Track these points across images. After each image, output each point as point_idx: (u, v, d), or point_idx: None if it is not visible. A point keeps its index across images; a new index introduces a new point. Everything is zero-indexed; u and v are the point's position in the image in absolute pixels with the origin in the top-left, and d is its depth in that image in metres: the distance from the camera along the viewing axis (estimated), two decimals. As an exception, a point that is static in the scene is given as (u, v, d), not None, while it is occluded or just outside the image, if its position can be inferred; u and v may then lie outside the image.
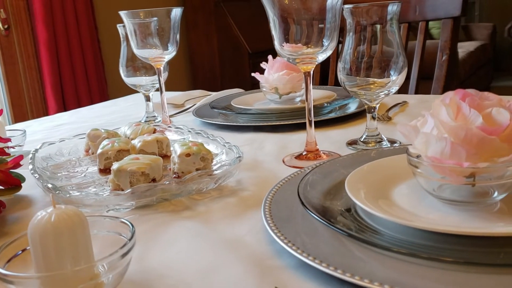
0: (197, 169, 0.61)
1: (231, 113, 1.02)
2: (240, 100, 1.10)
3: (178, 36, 0.95)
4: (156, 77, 0.99)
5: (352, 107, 0.99)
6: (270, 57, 1.06)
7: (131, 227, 0.41)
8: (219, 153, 0.71)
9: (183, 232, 0.51)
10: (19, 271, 0.39)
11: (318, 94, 1.10)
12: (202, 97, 1.28)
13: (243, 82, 3.18)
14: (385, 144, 0.75)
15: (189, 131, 0.81)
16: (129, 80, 1.09)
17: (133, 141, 0.71)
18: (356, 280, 0.36)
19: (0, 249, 0.39)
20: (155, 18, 0.91)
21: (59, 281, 0.37)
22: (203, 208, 0.57)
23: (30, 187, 0.66)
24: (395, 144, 0.75)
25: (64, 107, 2.58)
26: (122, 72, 1.09)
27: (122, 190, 0.58)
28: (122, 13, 0.91)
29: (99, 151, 0.68)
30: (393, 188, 0.53)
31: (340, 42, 0.77)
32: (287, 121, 0.92)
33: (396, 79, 0.72)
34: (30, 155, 0.71)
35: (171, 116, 1.12)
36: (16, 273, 0.36)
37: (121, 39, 1.08)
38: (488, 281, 0.37)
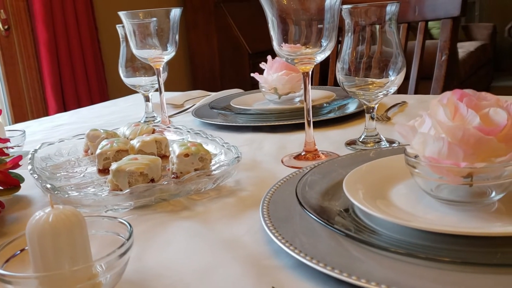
0: (195, 169, 0.61)
1: (230, 114, 1.02)
2: (240, 101, 1.10)
3: (177, 37, 0.95)
4: (155, 77, 0.99)
5: (351, 107, 0.99)
6: (269, 57, 1.06)
7: (129, 227, 0.41)
8: (218, 153, 0.71)
9: (182, 232, 0.51)
10: (18, 271, 0.39)
11: (317, 94, 1.10)
12: (202, 97, 1.28)
13: (243, 82, 3.18)
14: (384, 144, 0.75)
15: (188, 132, 0.81)
16: (128, 81, 1.09)
17: (132, 142, 0.71)
18: (353, 280, 0.36)
19: (-2, 249, 0.40)
20: (154, 19, 0.91)
21: (57, 281, 0.37)
22: (202, 208, 0.57)
23: (29, 188, 0.66)
24: (393, 144, 0.75)
25: (64, 108, 2.58)
26: (121, 72, 1.09)
27: (121, 190, 0.58)
28: (121, 14, 0.91)
29: (98, 151, 0.68)
30: (391, 188, 0.53)
31: (339, 42, 0.77)
32: (286, 121, 0.92)
33: (394, 79, 0.72)
34: (29, 156, 0.71)
35: (170, 116, 1.12)
36: (14, 273, 0.37)
37: (121, 39, 1.08)
38: (485, 281, 0.37)
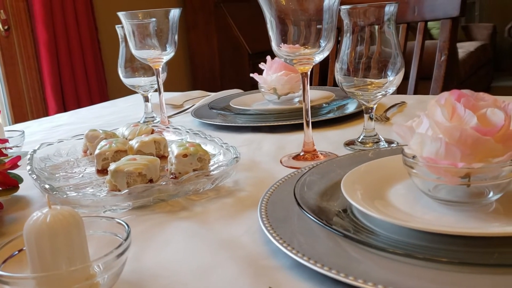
0: (194, 170, 0.61)
1: (229, 114, 1.02)
2: (239, 101, 1.10)
3: (176, 37, 0.95)
4: (154, 77, 0.99)
5: (351, 108, 0.99)
6: (268, 57, 1.06)
7: (126, 227, 0.41)
8: (216, 153, 0.71)
9: (180, 232, 0.51)
10: (15, 272, 0.39)
11: (316, 94, 1.10)
12: (201, 97, 1.28)
13: (243, 82, 3.18)
14: (383, 144, 0.75)
15: (187, 132, 0.81)
16: (127, 81, 1.10)
17: (130, 142, 0.71)
18: (350, 280, 0.36)
19: (-4, 250, 0.40)
20: (154, 19, 0.91)
21: (55, 281, 0.37)
22: (200, 209, 0.57)
23: (28, 188, 0.66)
24: (392, 145, 0.75)
25: (64, 108, 2.59)
26: (120, 73, 1.09)
27: (119, 190, 0.58)
28: (121, 14, 0.91)
29: (97, 151, 0.68)
30: (389, 188, 0.53)
31: (339, 42, 0.77)
32: (285, 121, 0.92)
33: (393, 79, 0.72)
34: (28, 156, 0.71)
35: (169, 116, 1.12)
36: (11, 274, 0.37)
37: (120, 40, 1.09)
38: (482, 281, 0.37)
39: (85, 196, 0.57)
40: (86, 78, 2.73)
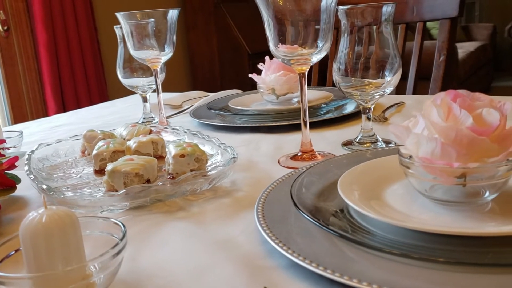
0: (191, 170, 0.61)
1: (228, 114, 1.02)
2: (238, 101, 1.10)
3: (174, 37, 0.95)
4: (153, 78, 0.99)
5: (349, 108, 0.99)
6: (267, 58, 1.06)
7: (122, 227, 0.42)
8: (214, 154, 0.72)
9: (177, 232, 0.51)
10: (12, 272, 0.39)
11: (315, 94, 1.10)
12: (200, 98, 1.28)
13: (242, 82, 3.18)
14: (380, 144, 0.75)
15: (185, 132, 0.81)
16: (126, 81, 1.10)
17: (128, 142, 0.71)
18: (345, 280, 0.36)
19: (-8, 250, 0.40)
20: (152, 20, 0.91)
21: (51, 281, 0.37)
22: (197, 209, 0.57)
23: (26, 188, 0.67)
24: (390, 145, 0.75)
25: (63, 108, 2.59)
26: (119, 73, 1.09)
27: (117, 191, 0.58)
28: (119, 15, 0.91)
29: (94, 152, 0.68)
30: (386, 188, 0.53)
31: (336, 42, 0.77)
32: (283, 121, 0.92)
33: (391, 79, 0.72)
34: (26, 156, 0.72)
35: (168, 117, 1.12)
36: (7, 274, 0.37)
37: (118, 40, 1.09)
38: (477, 281, 0.37)
39: (82, 196, 0.57)
40: (86, 79, 2.73)
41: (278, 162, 0.73)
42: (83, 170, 0.72)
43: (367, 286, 0.35)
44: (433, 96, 0.48)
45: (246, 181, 0.66)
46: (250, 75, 1.08)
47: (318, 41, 0.67)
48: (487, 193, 0.47)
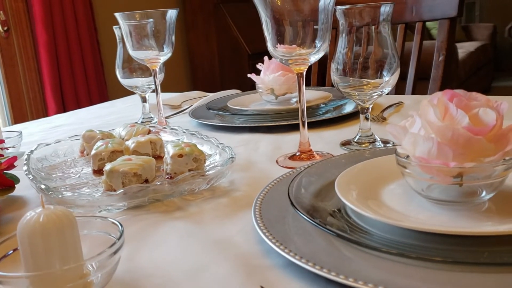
0: (189, 170, 0.61)
1: (227, 114, 1.02)
2: (237, 101, 1.11)
3: (173, 38, 0.95)
4: (152, 78, 0.99)
5: (348, 108, 0.99)
6: (266, 58, 1.06)
7: (120, 227, 0.42)
8: (212, 154, 0.72)
9: (174, 232, 0.51)
10: (9, 271, 0.39)
11: (314, 95, 1.10)
12: (199, 98, 1.29)
13: (242, 83, 3.18)
14: (378, 144, 0.75)
15: (184, 132, 0.81)
16: (125, 82, 1.10)
17: (126, 142, 0.71)
18: (340, 279, 0.37)
19: (-10, 249, 0.40)
20: (151, 20, 0.91)
21: (48, 280, 0.37)
22: (195, 209, 0.57)
23: (24, 188, 0.67)
24: (388, 145, 0.75)
25: (63, 109, 2.59)
26: (118, 73, 1.10)
27: (115, 190, 0.58)
28: (118, 15, 0.92)
29: (93, 152, 0.68)
30: (383, 188, 0.53)
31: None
32: (282, 121, 0.92)
33: (389, 79, 0.72)
34: (25, 156, 0.72)
35: (167, 117, 1.12)
36: (5, 273, 0.37)
37: (117, 40, 1.09)
38: (473, 280, 0.37)
39: (80, 196, 0.57)
40: (86, 79, 2.74)
41: (277, 162, 0.73)
42: (82, 170, 0.72)
43: (363, 285, 0.36)
44: (430, 96, 0.48)
45: (244, 181, 0.66)
46: (249, 75, 1.08)
47: (316, 41, 0.67)
48: (484, 193, 0.47)
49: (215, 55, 3.48)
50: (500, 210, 0.47)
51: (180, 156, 0.61)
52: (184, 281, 0.42)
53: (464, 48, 4.25)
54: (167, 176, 0.63)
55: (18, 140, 0.87)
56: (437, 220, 0.46)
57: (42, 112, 2.63)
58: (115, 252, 0.39)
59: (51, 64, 2.55)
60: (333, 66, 0.74)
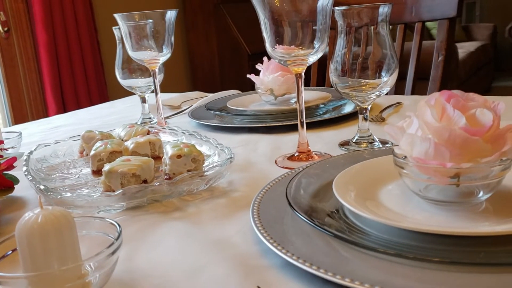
0: (188, 170, 0.62)
1: (226, 115, 1.02)
2: (236, 102, 1.11)
3: (172, 38, 0.95)
4: (151, 79, 0.99)
5: (347, 108, 0.99)
6: (265, 58, 1.06)
7: (118, 227, 0.42)
8: (211, 154, 0.72)
9: (173, 232, 0.52)
10: (8, 271, 0.39)
11: (313, 95, 1.10)
12: (199, 98, 1.29)
13: (242, 83, 3.18)
14: (377, 145, 0.75)
15: (183, 133, 0.81)
16: (125, 82, 1.10)
17: (125, 143, 0.71)
18: (337, 279, 0.37)
19: (-12, 250, 0.40)
20: (150, 20, 0.91)
21: (47, 280, 0.37)
22: (194, 209, 0.58)
23: (24, 189, 0.67)
24: (386, 145, 0.75)
25: (64, 109, 2.59)
26: (118, 74, 1.10)
27: (114, 191, 0.58)
28: (117, 16, 0.92)
29: (92, 152, 0.68)
30: (381, 188, 0.53)
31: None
32: (281, 122, 0.93)
33: (387, 80, 0.72)
34: (25, 157, 0.72)
35: (167, 117, 1.12)
36: (3, 273, 0.37)
37: (117, 41, 1.09)
38: (468, 280, 0.37)
39: (79, 196, 0.57)
40: (86, 79, 2.74)
41: (275, 163, 0.73)
42: (81, 171, 0.73)
43: (359, 285, 0.36)
44: (427, 96, 0.48)
45: (243, 181, 0.66)
46: (248, 75, 1.09)
47: (315, 42, 0.67)
48: (481, 193, 0.47)
49: (215, 55, 3.48)
50: (497, 210, 0.47)
51: (179, 156, 0.61)
52: (182, 281, 0.42)
53: (464, 48, 4.25)
54: (165, 176, 0.63)
55: (17, 140, 0.87)
56: (435, 220, 0.46)
57: (42, 113, 2.63)
58: (113, 253, 0.39)
59: (51, 65, 2.55)
60: (331, 67, 0.74)
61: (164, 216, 0.56)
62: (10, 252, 0.42)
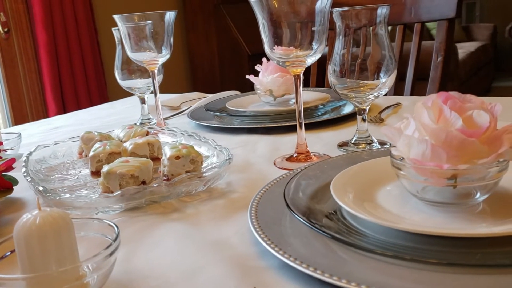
0: (186, 172, 0.62)
1: (226, 115, 1.03)
2: (235, 102, 1.11)
3: (172, 39, 0.95)
4: (151, 79, 1.00)
5: (346, 109, 0.99)
6: (264, 59, 1.06)
7: (116, 229, 0.42)
8: (210, 155, 0.72)
9: (171, 233, 0.52)
10: (7, 273, 0.40)
11: (312, 96, 1.10)
12: (198, 99, 1.29)
13: (242, 83, 3.18)
14: (376, 145, 0.76)
15: (182, 134, 0.81)
16: (124, 83, 1.10)
17: (124, 144, 0.72)
18: (334, 281, 0.37)
19: (-13, 251, 0.40)
20: (149, 22, 0.92)
21: (45, 282, 0.37)
22: (192, 210, 0.58)
23: (23, 190, 0.67)
24: (385, 146, 0.75)
25: (64, 110, 2.60)
26: (117, 75, 1.10)
27: (112, 192, 0.58)
28: (116, 17, 0.92)
29: (91, 154, 0.68)
30: (379, 190, 0.53)
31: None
32: (280, 123, 0.93)
33: (386, 81, 0.72)
34: (24, 158, 0.72)
35: (166, 118, 1.13)
36: (1, 275, 0.37)
37: (116, 42, 1.09)
38: (465, 281, 0.37)
39: (78, 198, 0.57)
40: (86, 80, 2.74)
41: (274, 163, 0.73)
42: (80, 172, 0.73)
43: (356, 286, 0.36)
44: (424, 98, 0.49)
45: (242, 182, 0.66)
46: (247, 76, 1.09)
47: (313, 43, 0.67)
48: (478, 194, 0.47)
49: (215, 56, 3.48)
50: (495, 211, 0.47)
51: (177, 157, 0.62)
52: (180, 282, 0.42)
53: (464, 48, 4.25)
54: (164, 177, 0.63)
55: (17, 141, 0.88)
56: (432, 221, 0.46)
57: (43, 113, 2.63)
58: (110, 254, 0.39)
59: (51, 65, 2.56)
60: (330, 68, 0.74)
61: (163, 217, 0.56)
62: (9, 253, 0.42)
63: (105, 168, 0.60)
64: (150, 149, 0.71)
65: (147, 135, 0.78)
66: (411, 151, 0.46)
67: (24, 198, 0.67)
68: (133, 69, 1.09)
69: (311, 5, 0.65)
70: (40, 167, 0.74)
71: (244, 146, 0.85)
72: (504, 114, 0.47)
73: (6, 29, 2.46)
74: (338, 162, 0.63)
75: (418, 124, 0.46)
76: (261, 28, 0.68)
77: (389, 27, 0.74)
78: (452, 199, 0.48)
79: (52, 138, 1.03)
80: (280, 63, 0.69)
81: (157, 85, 0.98)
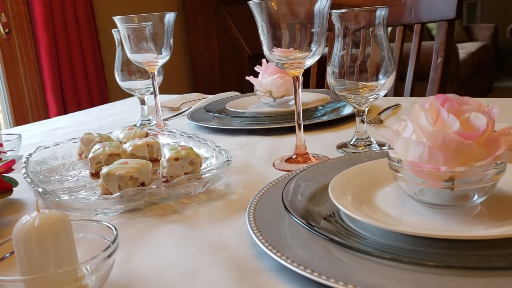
0: (185, 173, 0.62)
1: (225, 117, 1.03)
2: (235, 104, 1.11)
3: (171, 41, 0.96)
4: (150, 81, 1.00)
5: (345, 110, 0.99)
6: (264, 60, 1.06)
7: (114, 231, 0.42)
8: (209, 157, 0.72)
9: (169, 235, 0.52)
10: (6, 275, 0.40)
11: (312, 97, 1.10)
12: (198, 100, 1.29)
13: (243, 84, 3.18)
14: (375, 147, 0.76)
15: (181, 135, 0.82)
16: (124, 84, 1.10)
17: (124, 145, 0.72)
18: (331, 283, 0.37)
19: (-14, 253, 0.40)
20: (149, 23, 0.92)
21: (43, 283, 0.38)
22: (191, 212, 0.58)
23: (23, 191, 0.67)
24: (384, 148, 0.75)
25: (64, 110, 2.60)
26: (117, 76, 1.10)
27: (111, 194, 0.58)
28: (116, 18, 0.92)
29: (90, 155, 0.69)
30: (377, 192, 0.54)
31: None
32: (280, 124, 0.93)
33: (385, 82, 0.72)
34: (24, 159, 0.72)
35: (166, 119, 1.13)
36: (0, 277, 0.37)
37: (116, 43, 1.09)
38: (461, 284, 0.37)
39: (77, 199, 0.57)
40: (87, 80, 2.75)
41: (273, 165, 0.73)
42: (80, 173, 0.73)
43: (353, 288, 0.36)
44: (422, 99, 0.49)
45: (241, 183, 0.66)
46: (247, 77, 1.09)
47: (312, 45, 0.67)
48: (476, 196, 0.47)
49: (216, 56, 3.49)
50: (492, 213, 0.47)
51: (176, 159, 0.62)
52: (179, 284, 0.42)
53: (465, 49, 4.24)
54: (163, 179, 0.63)
55: (17, 143, 0.88)
56: (430, 223, 0.47)
57: (43, 114, 2.64)
58: (109, 256, 0.40)
59: (52, 66, 2.56)
60: (329, 69, 0.75)
61: (161, 219, 0.56)
62: (8, 255, 0.43)
63: (104, 170, 0.60)
64: (149, 150, 0.72)
65: (146, 136, 0.79)
66: (408, 153, 0.46)
67: (24, 199, 0.67)
68: (133, 70, 1.09)
69: (310, 7, 0.65)
70: (40, 169, 0.75)
71: (243, 147, 0.85)
72: (504, 115, 0.47)
73: (7, 30, 2.46)
74: (337, 164, 0.63)
75: (416, 127, 0.46)
76: (260, 30, 0.68)
77: (389, 28, 0.74)
78: (449, 201, 0.48)
79: (52, 139, 1.04)
80: (279, 65, 0.69)
81: (156, 86, 0.98)
